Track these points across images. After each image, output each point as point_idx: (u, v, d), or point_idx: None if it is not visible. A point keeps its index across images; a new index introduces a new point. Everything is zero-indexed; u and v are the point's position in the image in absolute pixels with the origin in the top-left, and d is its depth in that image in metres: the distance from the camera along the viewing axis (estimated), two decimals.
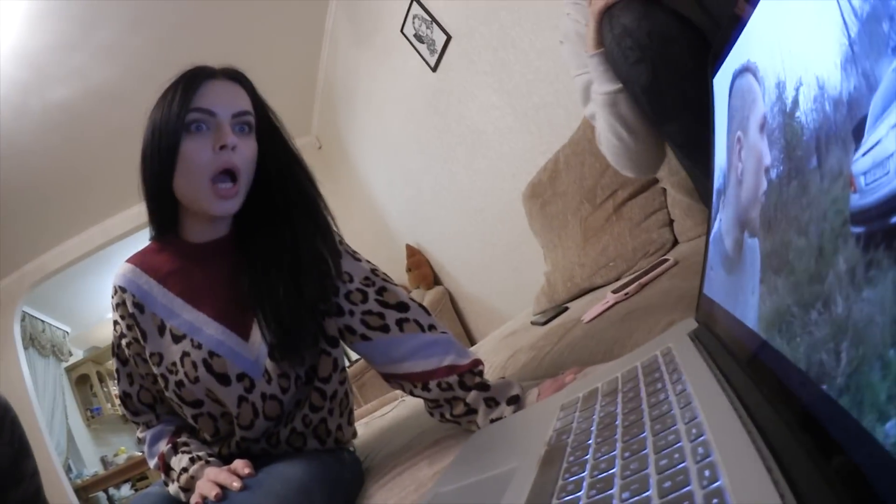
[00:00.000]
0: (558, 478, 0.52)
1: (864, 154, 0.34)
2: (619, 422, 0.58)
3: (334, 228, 1.16)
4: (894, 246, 0.30)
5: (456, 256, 4.21)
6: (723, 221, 0.67)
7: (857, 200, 0.35)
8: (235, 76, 1.10)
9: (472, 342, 4.18)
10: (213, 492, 0.91)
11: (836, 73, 0.36)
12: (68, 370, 7.21)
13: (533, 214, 2.39)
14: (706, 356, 0.63)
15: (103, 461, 6.99)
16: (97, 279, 6.05)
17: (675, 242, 1.75)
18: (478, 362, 1.12)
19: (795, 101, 0.43)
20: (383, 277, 1.16)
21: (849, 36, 0.34)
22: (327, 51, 4.52)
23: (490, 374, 1.49)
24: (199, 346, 1.07)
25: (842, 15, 0.34)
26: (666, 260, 1.51)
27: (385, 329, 1.10)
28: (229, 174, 1.04)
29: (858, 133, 0.34)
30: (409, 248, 4.54)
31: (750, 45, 0.56)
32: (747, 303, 0.54)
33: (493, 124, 3.11)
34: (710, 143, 0.77)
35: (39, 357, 6.19)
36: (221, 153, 1.02)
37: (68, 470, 6.10)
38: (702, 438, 0.45)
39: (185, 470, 1.02)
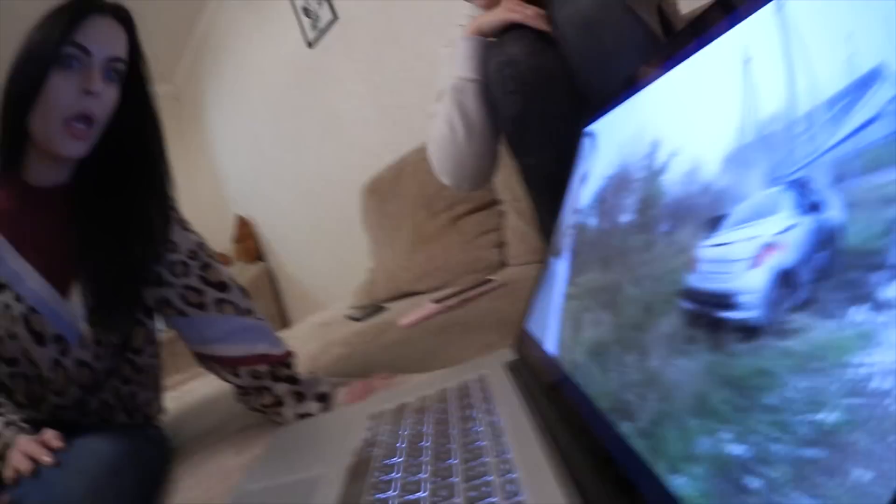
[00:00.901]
0: (363, 493, 0.52)
1: (712, 245, 0.37)
2: (428, 443, 0.58)
3: (172, 195, 1.09)
4: (713, 335, 0.34)
5: (284, 235, 4.14)
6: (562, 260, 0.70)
7: (693, 280, 0.38)
8: (122, 16, 1.02)
9: (287, 325, 4.12)
10: (26, 466, 0.86)
11: (715, 164, 0.38)
12: None
13: (369, 209, 2.39)
14: (521, 391, 0.64)
15: None
16: None
17: (503, 265, 1.81)
18: (290, 354, 1.10)
19: (665, 166, 0.45)
20: (209, 254, 1.11)
21: (742, 141, 0.36)
22: (214, 2, 4.27)
23: (302, 364, 1.47)
24: (20, 300, 0.99)
25: (744, 120, 0.36)
26: (492, 280, 1.56)
27: (202, 307, 1.06)
28: (85, 119, 0.97)
29: (713, 225, 0.37)
30: (239, 218, 4.42)
31: (642, 104, 0.58)
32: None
33: (352, 113, 3.09)
34: (564, 183, 0.80)
35: None
36: (84, 98, 0.95)
37: None
38: (511, 476, 0.46)
39: None
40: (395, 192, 2.24)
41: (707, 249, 0.37)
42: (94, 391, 1.07)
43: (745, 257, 0.33)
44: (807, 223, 0.29)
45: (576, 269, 0.63)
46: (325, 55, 3.16)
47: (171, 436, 1.24)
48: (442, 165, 1.33)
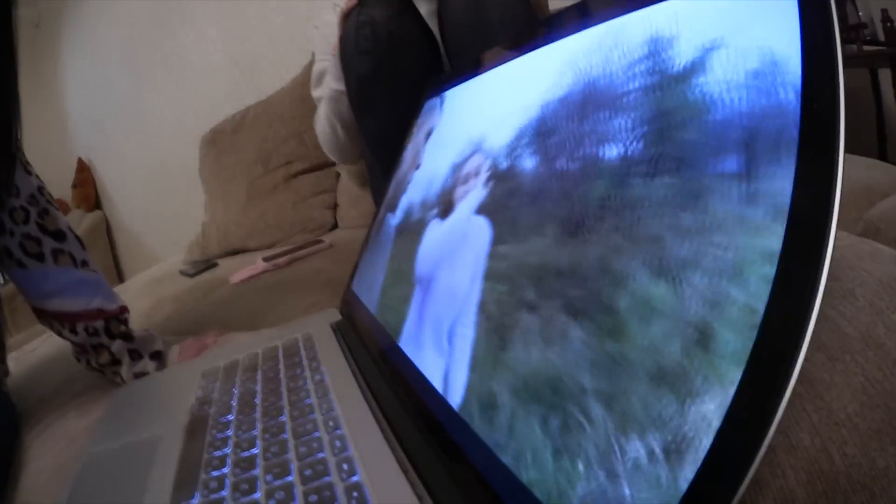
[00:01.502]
0: (203, 450, 0.56)
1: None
2: (258, 400, 0.63)
3: (17, 133, 1.03)
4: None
5: (122, 183, 3.91)
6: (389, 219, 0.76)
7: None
8: None
9: (121, 278, 3.94)
10: None
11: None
12: None
13: (206, 161, 2.32)
14: (346, 350, 0.70)
15: None
16: None
17: (335, 226, 1.85)
18: (124, 309, 1.09)
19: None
20: (48, 199, 1.06)
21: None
22: None
23: (135, 322, 1.44)
24: None
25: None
26: (321, 241, 1.59)
27: (40, 258, 1.01)
28: None
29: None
30: (80, 162, 4.11)
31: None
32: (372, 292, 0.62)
33: (201, 57, 2.98)
34: (400, 147, 0.86)
35: None
36: None
37: None
38: (339, 432, 0.52)
39: None
40: (232, 144, 2.19)
41: None
42: None
43: None
44: None
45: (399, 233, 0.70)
46: None
47: (16, 401, 1.19)
48: (330, 152, 1.49)
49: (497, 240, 0.46)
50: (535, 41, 0.54)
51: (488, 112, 0.58)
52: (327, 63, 1.38)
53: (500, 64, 0.60)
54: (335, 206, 1.87)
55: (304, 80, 2.02)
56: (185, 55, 3.11)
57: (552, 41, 0.50)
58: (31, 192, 1.03)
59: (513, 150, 0.49)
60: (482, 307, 0.44)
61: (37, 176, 1.06)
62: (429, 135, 0.76)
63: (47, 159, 4.27)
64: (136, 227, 3.89)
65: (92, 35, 3.99)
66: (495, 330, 0.41)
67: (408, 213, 0.68)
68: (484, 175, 0.51)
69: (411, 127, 0.86)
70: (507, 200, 0.47)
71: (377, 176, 1.39)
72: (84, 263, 1.06)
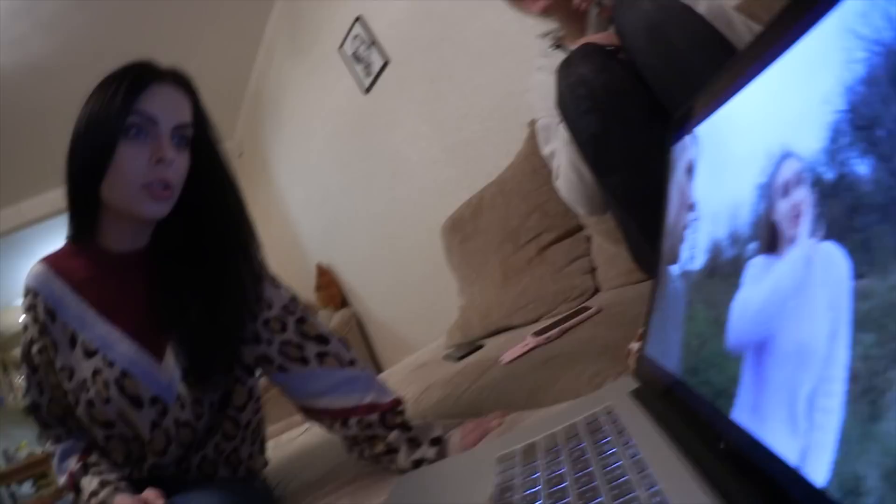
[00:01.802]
0: None
1: None
2: (568, 484, 0.56)
3: (258, 253, 1.11)
4: None
5: (367, 280, 4.16)
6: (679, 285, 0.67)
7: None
8: (183, 82, 1.04)
9: (379, 368, 4.14)
10: None
11: None
12: None
13: (452, 248, 2.39)
14: (654, 419, 0.62)
15: (5, 454, 6.70)
16: (7, 263, 5.70)
17: (596, 290, 1.78)
18: (399, 401, 1.10)
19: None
20: (303, 308, 1.12)
21: None
22: (262, 56, 4.42)
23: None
24: (112, 365, 1.01)
25: None
26: (588, 307, 1.53)
27: (304, 361, 1.06)
28: (162, 183, 0.99)
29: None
30: (319, 267, 4.47)
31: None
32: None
33: (418, 154, 3.11)
34: (652, 197, 0.79)
35: None
36: (157, 167, 0.97)
37: None
38: None
39: (94, 494, 0.97)
40: (476, 228, 2.24)
41: None
42: (195, 449, 1.08)
43: None
44: None
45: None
46: (383, 99, 3.21)
47: (273, 485, 1.24)
48: (577, 202, 1.44)
49: (856, 273, 0.35)
50: (782, 36, 0.44)
51: (775, 120, 0.48)
52: (548, 119, 1.39)
53: (751, 78, 0.51)
54: (593, 270, 1.81)
55: (530, 153, 2.03)
56: (401, 154, 3.26)
57: (806, 27, 0.40)
58: (285, 303, 1.09)
59: (833, 154, 0.39)
60: (850, 369, 0.33)
61: (287, 288, 1.12)
62: (690, 170, 0.67)
63: (286, 270, 4.65)
64: (388, 319, 4.06)
65: (298, 154, 4.39)
66: (863, 394, 0.31)
67: (711, 256, 0.59)
68: (808, 187, 0.42)
69: (665, 173, 0.78)
70: (850, 219, 0.36)
71: (632, 232, 1.31)
72: (352, 362, 1.09)
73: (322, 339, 1.09)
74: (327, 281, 4.40)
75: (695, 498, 0.45)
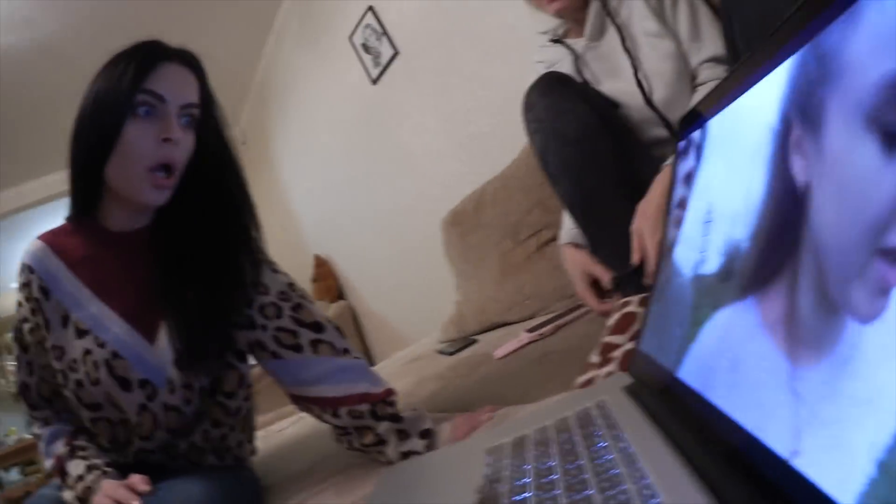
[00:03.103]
0: None
1: None
2: (558, 476, 0.55)
3: (258, 237, 1.10)
4: None
5: (364, 272, 4.16)
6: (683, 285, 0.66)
7: None
8: (191, 62, 1.04)
9: (372, 362, 4.14)
10: None
11: None
12: None
13: (451, 242, 2.37)
14: (648, 416, 0.61)
15: None
16: (7, 246, 5.61)
17: None
18: (391, 392, 1.09)
19: None
20: (300, 294, 1.11)
21: None
22: (272, 43, 4.38)
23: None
24: (103, 345, 1.00)
25: None
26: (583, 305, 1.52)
27: (297, 349, 1.05)
28: (166, 167, 0.99)
29: None
30: (317, 258, 4.47)
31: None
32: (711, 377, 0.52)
33: (423, 146, 3.10)
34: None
35: None
36: (164, 145, 0.97)
37: None
38: (656, 501, 0.43)
39: (80, 478, 0.97)
40: (477, 222, 2.22)
41: None
42: (182, 435, 1.07)
43: None
44: None
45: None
46: (391, 90, 3.20)
47: (261, 475, 1.24)
48: None
49: None
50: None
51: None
52: None
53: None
54: None
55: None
56: (406, 146, 3.25)
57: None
58: (281, 289, 1.08)
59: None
60: None
61: (284, 274, 1.11)
62: (693, 170, 0.66)
63: (283, 260, 4.65)
64: (383, 312, 4.06)
65: (302, 143, 4.37)
66: None
67: (727, 259, 0.55)
68: None
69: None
70: None
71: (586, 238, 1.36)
72: (346, 351, 1.08)
73: (317, 327, 1.07)
74: (324, 273, 4.40)
75: (685, 491, 0.44)
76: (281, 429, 1.83)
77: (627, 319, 0.98)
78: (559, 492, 0.52)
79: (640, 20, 1.35)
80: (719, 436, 0.46)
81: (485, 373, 1.41)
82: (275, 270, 1.11)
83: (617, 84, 1.37)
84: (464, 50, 2.65)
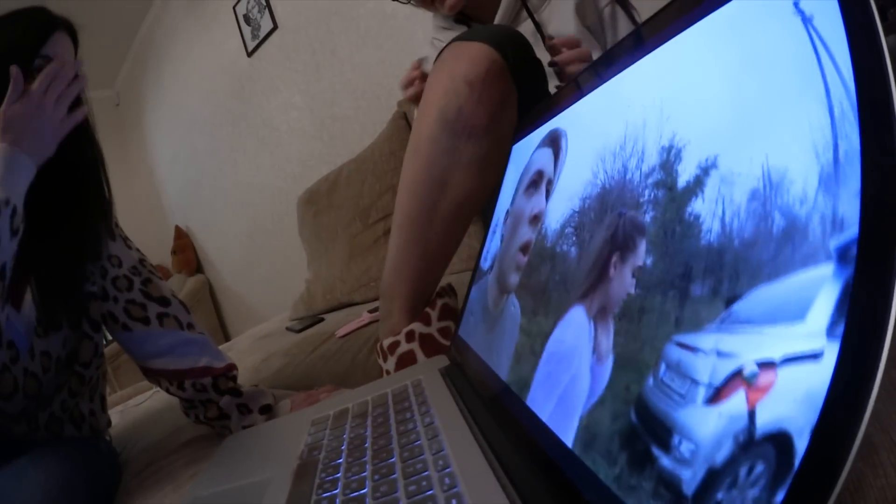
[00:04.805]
0: (311, 493, 0.55)
1: (684, 343, 0.32)
2: (368, 444, 0.62)
3: (112, 212, 1.11)
4: (642, 471, 0.31)
5: (222, 247, 4.10)
6: (491, 277, 0.75)
7: (647, 388, 0.33)
8: (73, 33, 1.04)
9: (227, 337, 4.09)
10: None
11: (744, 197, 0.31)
12: None
13: (305, 221, 2.40)
14: (455, 393, 0.69)
15: None
16: None
17: None
18: (232, 367, 1.13)
19: (688, 187, 0.36)
20: (150, 269, 1.13)
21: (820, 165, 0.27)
22: (156, 6, 4.19)
23: (243, 376, 1.49)
24: None
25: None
26: None
27: (146, 321, 1.08)
28: None
29: (709, 308, 0.31)
30: (178, 229, 4.36)
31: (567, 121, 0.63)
32: (502, 360, 0.60)
33: (288, 124, 3.09)
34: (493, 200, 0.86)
35: None
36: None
37: None
38: (448, 470, 0.50)
39: None
40: (330, 203, 2.26)
41: (678, 346, 0.32)
42: (42, 405, 1.07)
43: (706, 381, 0.28)
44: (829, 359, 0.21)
45: (521, 292, 0.68)
46: (264, 64, 3.17)
47: (120, 449, 1.24)
48: None
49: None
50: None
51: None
52: None
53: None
54: None
55: (391, 135, 2.09)
56: (272, 123, 3.24)
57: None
58: (133, 264, 1.10)
59: None
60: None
61: (137, 250, 1.14)
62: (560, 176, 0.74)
63: (145, 229, 4.53)
64: (239, 288, 4.03)
65: (173, 109, 4.24)
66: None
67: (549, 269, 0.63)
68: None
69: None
70: None
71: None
72: (190, 326, 1.12)
73: (164, 301, 1.10)
74: (184, 244, 4.30)
75: (475, 461, 0.52)
76: (137, 403, 1.81)
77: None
78: (367, 458, 0.59)
79: (562, 23, 1.31)
80: (505, 409, 0.54)
81: (326, 350, 1.47)
82: (129, 246, 1.13)
83: None
84: (340, 31, 2.67)
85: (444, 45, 1.32)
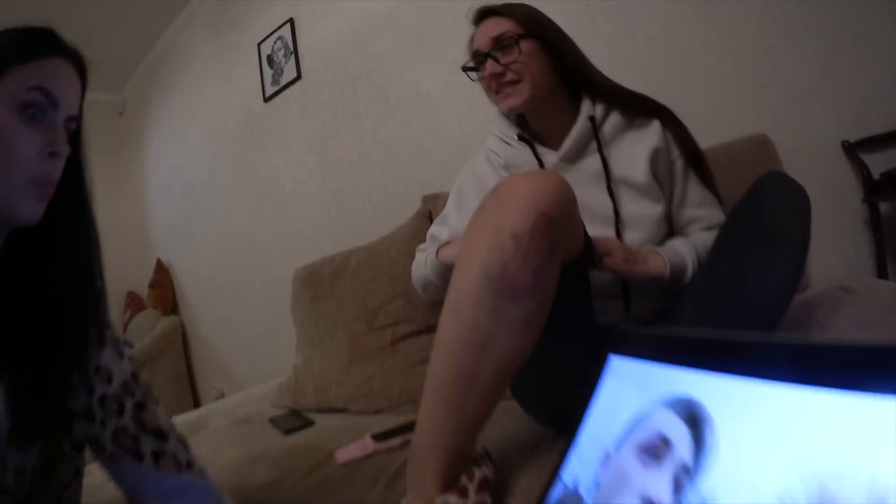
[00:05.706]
0: None
1: None
2: None
3: (106, 310, 0.99)
4: None
5: (203, 293, 3.95)
6: None
7: None
8: (81, 67, 0.91)
9: (193, 385, 3.92)
10: None
11: None
12: None
13: (300, 300, 2.26)
14: None
15: None
16: None
17: None
18: None
19: None
20: (144, 388, 1.01)
21: None
22: (181, 20, 4.04)
23: (225, 475, 1.42)
24: None
25: None
26: None
27: (138, 456, 0.96)
28: (47, 185, 0.85)
29: None
30: (159, 263, 4.21)
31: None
32: None
33: (294, 184, 2.98)
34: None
35: None
36: (49, 160, 0.83)
37: None
38: None
39: None
40: (331, 290, 2.14)
41: None
42: None
43: None
44: None
45: None
46: (279, 113, 3.06)
47: None
48: (421, 289, 1.58)
49: None
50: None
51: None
52: (471, 195, 1.44)
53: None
54: None
55: (412, 234, 1.99)
56: (277, 178, 3.11)
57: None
58: (125, 380, 0.99)
59: None
60: None
61: (130, 359, 1.02)
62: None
63: (126, 255, 4.35)
64: (214, 340, 3.87)
65: (176, 134, 4.09)
66: None
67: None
68: None
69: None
70: None
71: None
72: (189, 465, 1.02)
73: (160, 435, 0.99)
74: (163, 280, 4.15)
75: None
76: None
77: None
78: None
79: (631, 165, 1.29)
80: None
81: (324, 476, 1.37)
82: (120, 354, 1.01)
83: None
84: (367, 98, 2.58)
85: (495, 162, 1.40)
